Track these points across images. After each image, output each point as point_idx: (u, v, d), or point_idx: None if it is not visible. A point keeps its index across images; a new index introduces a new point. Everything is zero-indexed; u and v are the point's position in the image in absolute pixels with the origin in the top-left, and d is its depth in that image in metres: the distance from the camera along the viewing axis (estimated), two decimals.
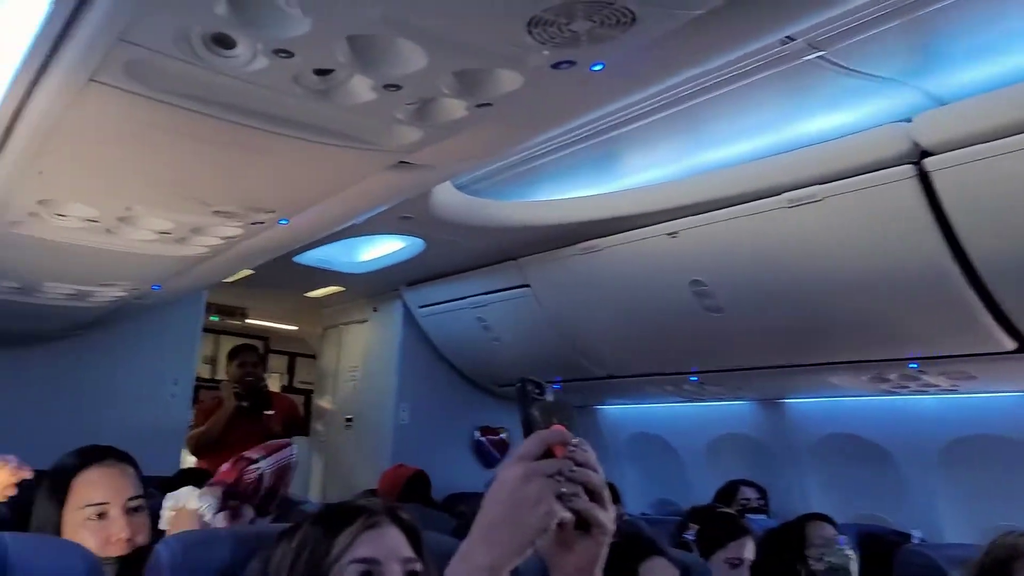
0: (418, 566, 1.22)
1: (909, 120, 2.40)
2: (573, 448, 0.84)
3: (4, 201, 1.87)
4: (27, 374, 4.18)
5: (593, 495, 0.83)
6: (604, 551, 0.86)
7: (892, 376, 3.32)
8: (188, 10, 1.08)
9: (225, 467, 1.94)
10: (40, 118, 1.41)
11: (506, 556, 0.79)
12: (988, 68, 2.24)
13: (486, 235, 3.67)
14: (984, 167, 2.30)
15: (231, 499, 1.87)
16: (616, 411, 5.24)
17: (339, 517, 1.22)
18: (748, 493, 4.01)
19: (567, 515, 0.81)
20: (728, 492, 4.06)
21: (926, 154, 2.40)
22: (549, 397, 0.92)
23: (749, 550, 2.39)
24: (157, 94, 1.33)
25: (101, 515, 1.69)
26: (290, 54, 1.18)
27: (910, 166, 2.44)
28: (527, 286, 4.09)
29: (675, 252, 3.27)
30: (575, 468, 0.82)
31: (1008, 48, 2.16)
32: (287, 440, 2.06)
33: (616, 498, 3.96)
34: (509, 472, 0.83)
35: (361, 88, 1.29)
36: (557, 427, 0.87)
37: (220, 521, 1.82)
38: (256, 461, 1.92)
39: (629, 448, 5.22)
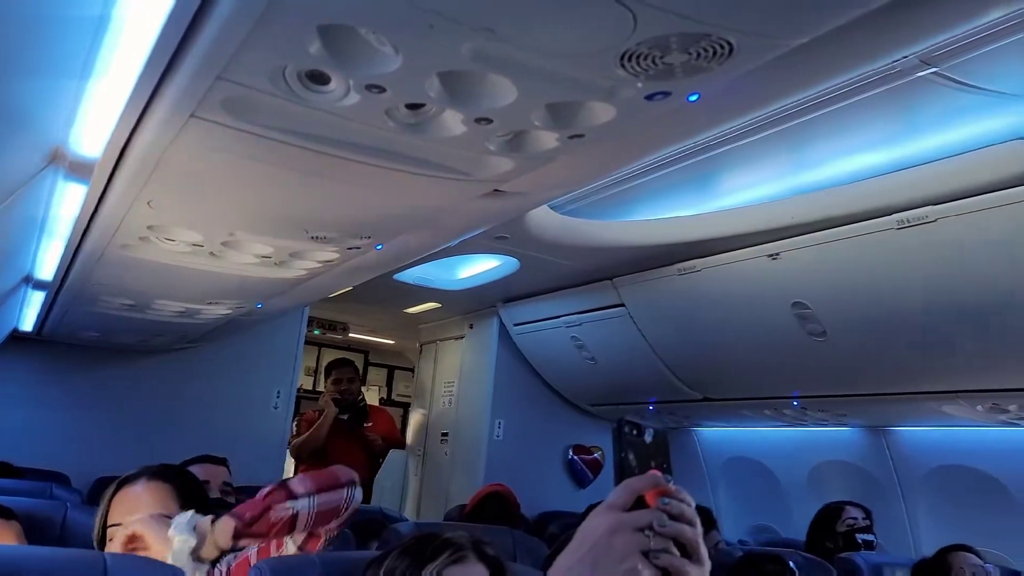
0: None
1: None
2: (667, 501, 0.79)
3: (116, 226, 1.97)
4: (141, 385, 4.42)
5: (685, 550, 0.78)
6: None
7: (1012, 407, 3.12)
8: (283, 49, 1.10)
9: (259, 495, 1.64)
10: (146, 151, 1.48)
11: None
12: None
13: (581, 255, 3.65)
14: None
15: (247, 536, 1.58)
16: (713, 434, 5.10)
17: (425, 550, 1.23)
18: (854, 513, 3.80)
19: (651, 573, 0.76)
20: (831, 514, 3.86)
21: None
22: (647, 438, 0.87)
23: None
24: (255, 128, 1.37)
25: (115, 537, 1.65)
26: (382, 89, 1.19)
27: None
28: (622, 306, 4.04)
29: (776, 274, 3.17)
30: (666, 523, 0.77)
31: None
32: (350, 477, 1.73)
33: (712, 524, 3.85)
34: (596, 522, 0.79)
35: (452, 121, 1.30)
36: (652, 472, 0.83)
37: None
38: (296, 497, 1.62)
39: (726, 472, 5.07)
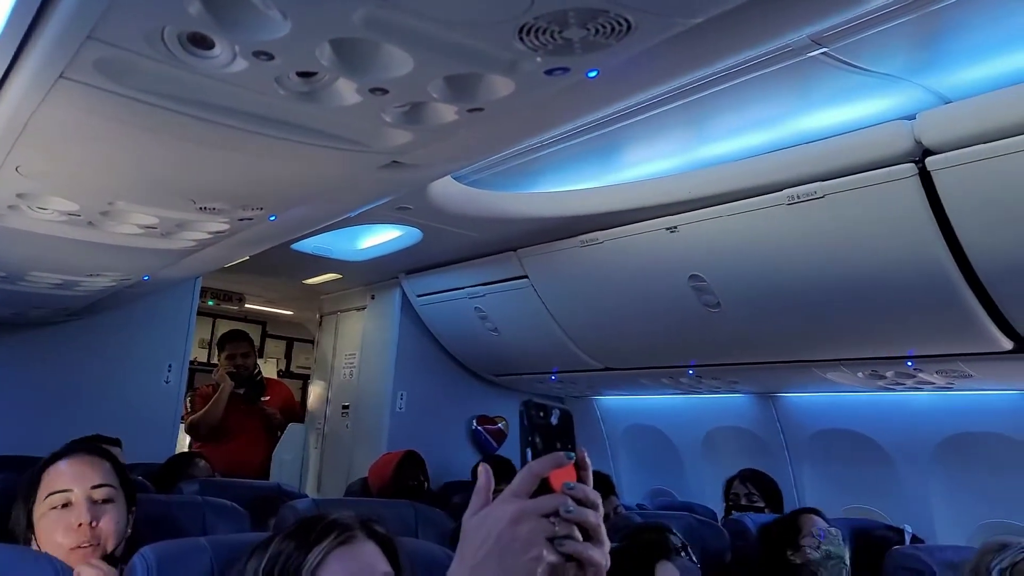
0: None
1: (912, 118, 2.35)
2: (572, 485, 0.80)
3: None
4: (17, 360, 4.15)
5: (588, 533, 0.79)
6: None
7: (888, 373, 3.30)
8: (159, 9, 1.03)
9: None
10: (13, 113, 1.36)
11: None
12: (994, 66, 2.18)
13: (484, 226, 3.62)
14: (986, 167, 2.26)
15: None
16: (613, 402, 5.22)
17: (311, 532, 1.19)
18: (737, 488, 4.00)
19: (555, 559, 0.77)
20: (725, 487, 4.07)
21: (928, 153, 2.35)
22: (553, 420, 0.87)
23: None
24: (133, 92, 1.28)
25: (65, 504, 1.70)
26: (270, 56, 1.13)
27: (912, 165, 2.39)
28: (525, 277, 4.05)
29: (674, 247, 3.23)
30: (571, 508, 0.78)
31: (1014, 46, 2.10)
32: None
33: (611, 489, 3.95)
34: (500, 510, 0.79)
35: (346, 91, 1.24)
36: (553, 454, 0.83)
37: None
38: None
39: (626, 439, 5.21)
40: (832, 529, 2.85)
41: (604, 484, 3.85)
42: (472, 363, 5.17)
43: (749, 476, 4.02)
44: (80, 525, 1.66)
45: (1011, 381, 3.24)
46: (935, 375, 3.21)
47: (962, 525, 3.58)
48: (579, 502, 0.78)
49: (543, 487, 0.80)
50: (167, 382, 4.49)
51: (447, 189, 3.21)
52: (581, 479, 0.82)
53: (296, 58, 1.14)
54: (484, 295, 4.37)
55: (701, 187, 2.95)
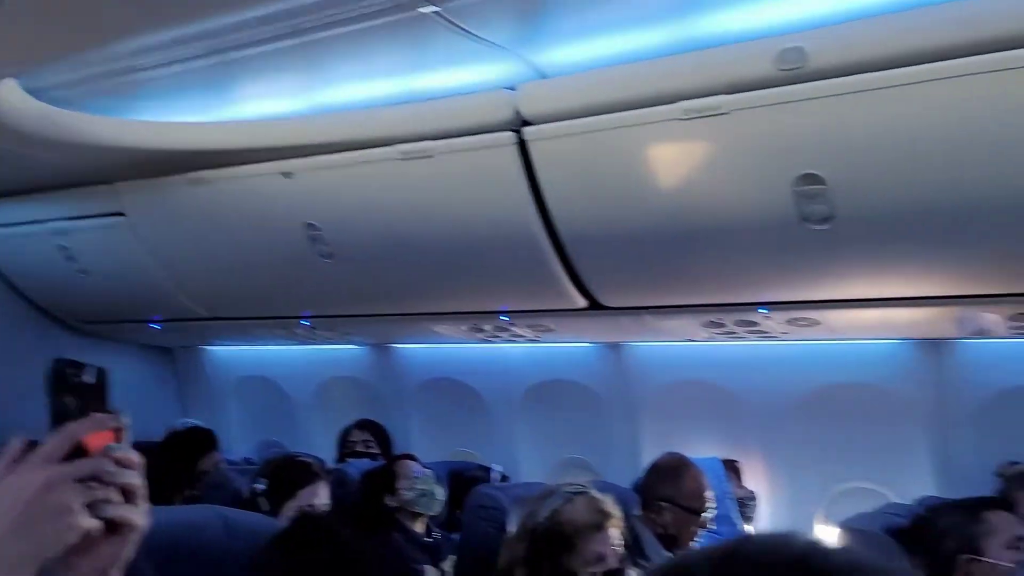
0: None
1: (514, 88, 2.50)
2: (115, 447, 0.76)
3: None
4: None
5: (129, 495, 0.76)
6: (131, 548, 0.77)
7: (487, 327, 3.57)
8: None
9: None
10: None
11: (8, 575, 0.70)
12: (590, 48, 2.38)
13: (70, 152, 3.12)
14: (575, 142, 2.49)
15: None
16: (225, 353, 4.99)
17: None
18: (355, 436, 4.09)
19: (94, 524, 0.72)
20: (341, 436, 4.11)
21: (526, 123, 2.53)
22: (88, 378, 0.85)
23: (321, 496, 2.46)
24: None
25: None
26: None
27: (511, 133, 2.55)
28: (122, 215, 3.63)
29: (289, 193, 3.12)
30: (112, 471, 0.74)
31: (611, 31, 2.31)
32: None
33: (213, 445, 3.74)
34: (27, 478, 0.72)
35: None
36: (94, 416, 0.78)
37: None
38: None
39: (238, 391, 5.01)
40: (426, 471, 3.05)
41: (205, 440, 3.68)
42: (55, 308, 4.53)
43: (367, 424, 4.11)
44: None
45: (585, 335, 3.69)
46: (526, 329, 3.53)
47: (544, 463, 4.02)
48: (119, 463, 0.75)
49: (78, 450, 0.75)
50: None
51: (17, 103, 2.70)
52: (119, 440, 0.78)
53: None
54: (71, 231, 3.84)
55: (318, 133, 2.87)
